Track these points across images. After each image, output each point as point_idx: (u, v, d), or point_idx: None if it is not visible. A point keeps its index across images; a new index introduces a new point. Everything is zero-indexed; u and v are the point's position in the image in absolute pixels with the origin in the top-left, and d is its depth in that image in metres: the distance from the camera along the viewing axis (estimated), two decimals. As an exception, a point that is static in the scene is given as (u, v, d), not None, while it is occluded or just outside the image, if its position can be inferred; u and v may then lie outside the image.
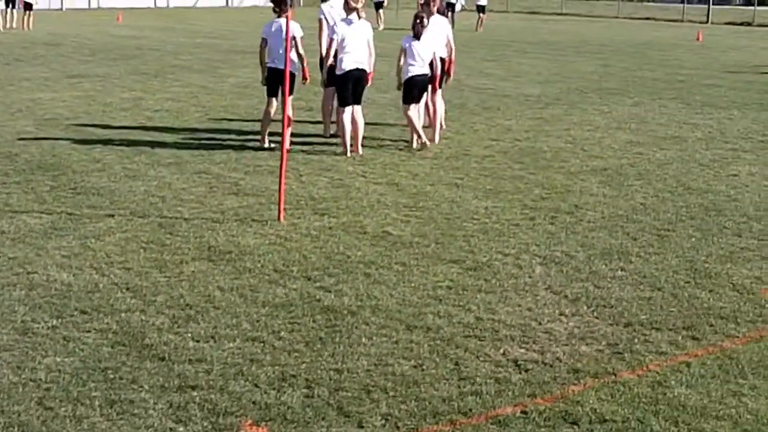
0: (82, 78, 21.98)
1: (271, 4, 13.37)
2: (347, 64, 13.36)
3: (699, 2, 53.93)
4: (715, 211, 10.71)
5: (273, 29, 13.34)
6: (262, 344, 6.88)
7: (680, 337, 7.12)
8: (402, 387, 6.24)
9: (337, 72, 13.44)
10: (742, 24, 46.79)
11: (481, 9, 41.15)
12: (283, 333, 7.09)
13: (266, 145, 13.62)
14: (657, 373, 6.49)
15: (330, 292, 7.96)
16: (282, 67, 11.71)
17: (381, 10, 41.27)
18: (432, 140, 14.17)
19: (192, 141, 14.30)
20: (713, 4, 50.05)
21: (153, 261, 8.66)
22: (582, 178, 12.26)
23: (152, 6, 58.77)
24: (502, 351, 6.84)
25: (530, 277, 8.44)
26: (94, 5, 57.00)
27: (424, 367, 6.55)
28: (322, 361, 6.60)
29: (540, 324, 7.37)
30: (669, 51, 31.09)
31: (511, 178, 12.27)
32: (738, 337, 7.13)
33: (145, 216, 10.14)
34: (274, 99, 13.42)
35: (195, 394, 6.06)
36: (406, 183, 11.88)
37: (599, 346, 6.95)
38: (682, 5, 53.26)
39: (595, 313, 7.60)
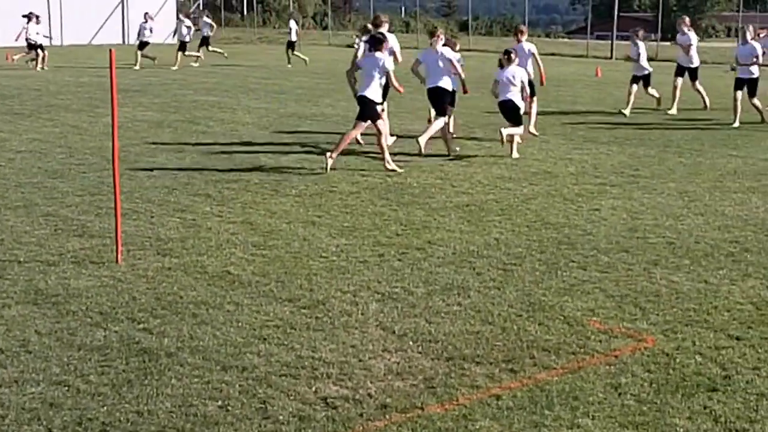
0: (-50, 120, 21.77)
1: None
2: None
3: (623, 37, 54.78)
4: (567, 244, 10.92)
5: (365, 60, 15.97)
6: (66, 388, 6.88)
7: (498, 370, 7.26)
8: (201, 428, 6.29)
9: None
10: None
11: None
12: (91, 376, 7.10)
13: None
14: (465, 406, 6.61)
15: (152, 333, 7.99)
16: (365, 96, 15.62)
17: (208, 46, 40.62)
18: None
19: (48, 183, 14.24)
20: (619, 39, 50.88)
21: (-27, 306, 8.61)
22: (443, 214, 12.41)
23: (47, 44, 58.12)
24: (314, 389, 6.91)
25: (363, 314, 8.54)
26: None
27: (230, 407, 6.61)
28: (124, 404, 6.63)
29: (360, 361, 7.46)
30: (566, 87, 31.55)
31: (372, 214, 12.39)
32: (556, 368, 7.29)
33: (-23, 260, 10.08)
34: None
35: (-17, 440, 6.04)
36: (261, 221, 11.94)
37: (414, 381, 7.06)
38: (586, 41, 54.12)
39: (419, 349, 7.71)
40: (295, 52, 40.20)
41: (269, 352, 7.60)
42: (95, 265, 9.99)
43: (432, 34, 17.50)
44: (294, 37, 40.83)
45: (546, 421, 6.39)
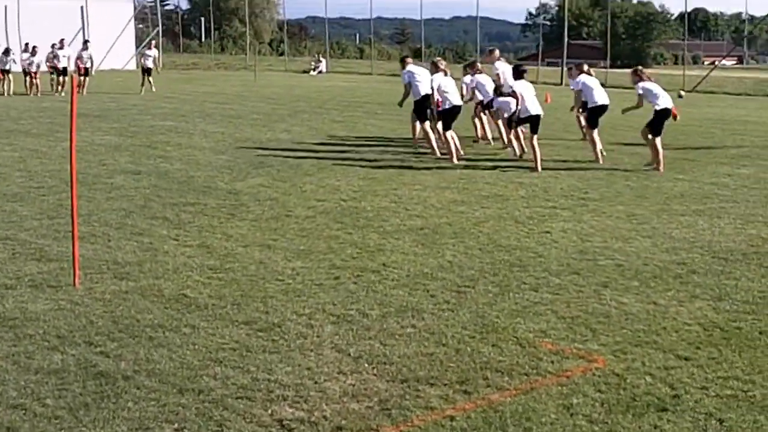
0: None
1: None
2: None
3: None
4: (519, 266, 10.90)
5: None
6: (23, 412, 6.77)
7: (452, 392, 7.20)
8: (158, 450, 6.17)
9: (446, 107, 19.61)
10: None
11: None
12: (48, 400, 6.98)
13: None
14: (420, 427, 6.56)
15: (109, 357, 7.88)
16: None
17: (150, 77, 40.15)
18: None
19: (6, 207, 14.09)
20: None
21: (-70, 330, 8.46)
22: (397, 237, 12.37)
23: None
24: (270, 411, 6.83)
25: (318, 336, 8.46)
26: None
27: (186, 429, 6.53)
28: (81, 427, 6.54)
29: (316, 383, 7.39)
30: (517, 111, 31.58)
31: (327, 237, 12.33)
32: (509, 389, 7.25)
33: (-66, 284, 9.92)
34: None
35: (-62, 464, 5.92)
36: (218, 245, 11.84)
37: (369, 403, 7.00)
38: (536, 67, 54.48)
39: (374, 371, 7.65)
40: (150, 78, 39.52)
41: (225, 375, 7.51)
42: (53, 288, 9.86)
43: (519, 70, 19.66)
44: (151, 65, 40.35)
45: (499, 441, 6.34)
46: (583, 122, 20.89)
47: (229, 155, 20.16)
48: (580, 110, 21.05)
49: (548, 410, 6.88)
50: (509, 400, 7.05)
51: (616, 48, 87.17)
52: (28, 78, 37.87)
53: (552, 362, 7.87)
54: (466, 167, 18.73)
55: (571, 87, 20.44)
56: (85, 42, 39.85)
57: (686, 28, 59.24)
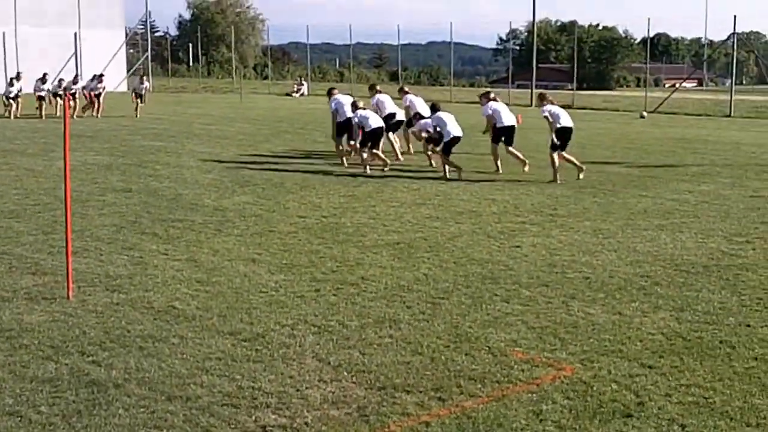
0: None
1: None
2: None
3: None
4: (491, 279, 10.91)
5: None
6: (19, 419, 6.73)
7: (427, 399, 7.20)
8: (147, 456, 6.14)
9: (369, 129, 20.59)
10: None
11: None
12: (43, 407, 6.95)
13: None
14: (396, 433, 6.53)
15: (101, 366, 7.85)
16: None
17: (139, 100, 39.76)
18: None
19: (3, 223, 14.05)
20: (538, 88, 51.46)
21: (-71, 341, 8.41)
22: (375, 251, 12.36)
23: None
24: (254, 418, 6.81)
25: (300, 346, 8.45)
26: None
27: (174, 435, 6.48)
28: (73, 434, 6.47)
29: (298, 390, 7.37)
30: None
31: (309, 252, 12.31)
32: (481, 396, 7.25)
33: (-67, 297, 9.86)
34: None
35: (-64, 470, 5.88)
36: (205, 259, 11.82)
37: (349, 409, 6.99)
38: (507, 90, 54.65)
39: (353, 379, 7.64)
40: (141, 104, 39.11)
41: (212, 383, 7.49)
42: (47, 300, 9.82)
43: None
44: (144, 92, 40.24)
45: (472, 446, 6.33)
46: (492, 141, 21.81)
47: (216, 174, 20.14)
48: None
49: (519, 416, 6.88)
50: (482, 407, 7.05)
51: (582, 71, 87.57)
52: (38, 103, 37.65)
53: (522, 370, 7.87)
54: (441, 184, 18.73)
55: (483, 114, 20.90)
56: (101, 75, 39.43)
57: (648, 52, 59.45)
